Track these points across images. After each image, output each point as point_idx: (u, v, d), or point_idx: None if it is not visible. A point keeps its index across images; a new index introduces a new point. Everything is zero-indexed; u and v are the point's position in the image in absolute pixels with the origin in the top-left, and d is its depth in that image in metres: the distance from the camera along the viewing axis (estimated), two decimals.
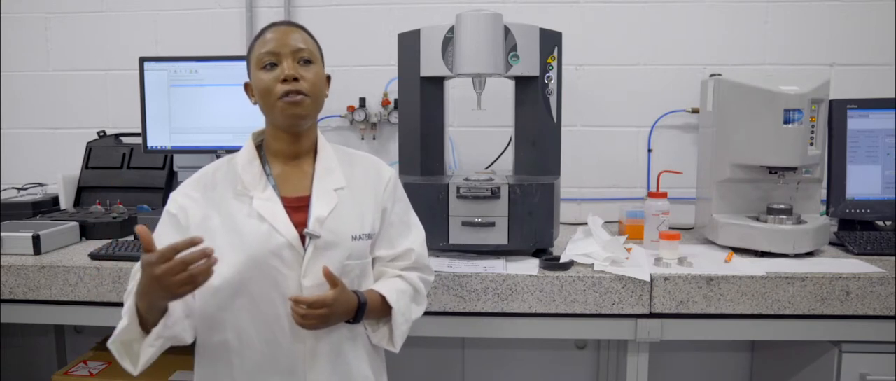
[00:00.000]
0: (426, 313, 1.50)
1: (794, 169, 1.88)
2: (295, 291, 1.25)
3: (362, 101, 2.41)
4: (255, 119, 1.34)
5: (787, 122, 1.81)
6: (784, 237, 1.82)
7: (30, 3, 2.52)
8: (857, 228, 2.06)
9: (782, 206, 1.90)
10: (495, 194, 1.77)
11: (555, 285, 1.67)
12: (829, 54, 2.36)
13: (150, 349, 1.19)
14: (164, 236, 1.29)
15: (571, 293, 1.67)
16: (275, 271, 1.25)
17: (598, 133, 2.44)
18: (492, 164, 2.32)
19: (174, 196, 1.33)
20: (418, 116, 1.89)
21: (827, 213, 2.06)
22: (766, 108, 1.83)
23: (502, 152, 2.30)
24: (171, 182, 2.38)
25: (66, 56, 2.54)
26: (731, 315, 1.69)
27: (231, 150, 1.38)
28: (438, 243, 1.79)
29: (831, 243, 1.98)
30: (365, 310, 1.27)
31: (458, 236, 1.79)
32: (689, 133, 2.41)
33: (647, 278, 1.66)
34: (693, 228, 2.21)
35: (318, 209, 1.28)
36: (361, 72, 2.44)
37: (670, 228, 1.94)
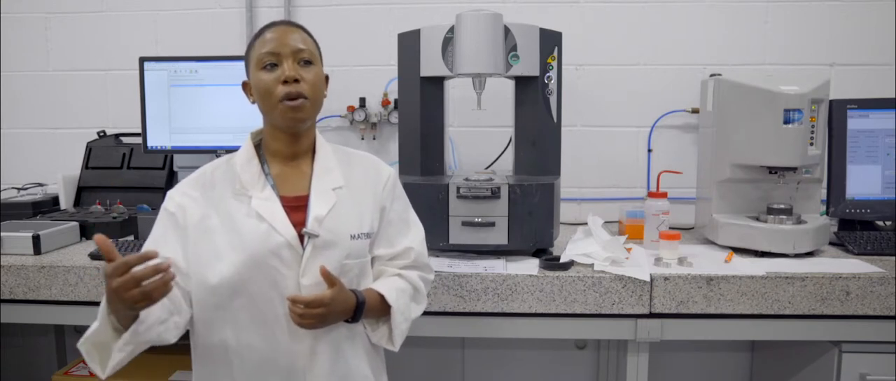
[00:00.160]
0: (426, 313, 1.50)
1: (794, 169, 1.88)
2: (294, 290, 1.25)
3: (362, 101, 2.41)
4: (255, 119, 1.34)
5: (787, 122, 1.81)
6: (784, 237, 1.82)
7: (30, 3, 2.52)
8: (857, 228, 2.06)
9: (782, 206, 1.90)
10: (495, 194, 1.77)
11: (555, 285, 1.67)
12: (829, 54, 2.36)
13: (119, 353, 1.15)
14: (161, 235, 1.30)
15: (571, 293, 1.67)
16: (274, 270, 1.25)
17: (598, 133, 2.44)
18: (492, 164, 2.32)
19: (172, 195, 1.33)
20: (418, 116, 1.89)
21: (827, 213, 2.06)
22: (766, 108, 1.83)
23: (502, 152, 2.30)
24: (171, 182, 2.38)
25: (66, 56, 2.54)
26: (731, 315, 1.69)
27: (231, 150, 1.38)
28: (438, 243, 1.79)
29: (831, 243, 1.98)
30: (363, 309, 1.27)
31: (458, 236, 1.79)
32: (689, 133, 2.41)
33: (647, 278, 1.66)
34: (693, 228, 2.21)
35: (316, 209, 1.28)
36: (361, 72, 2.44)
37: (670, 228, 1.94)
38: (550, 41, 1.86)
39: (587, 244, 1.82)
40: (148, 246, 1.30)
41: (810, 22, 2.35)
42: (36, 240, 1.84)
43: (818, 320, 1.69)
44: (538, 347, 2.49)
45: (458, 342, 2.50)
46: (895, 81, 2.32)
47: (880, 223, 2.11)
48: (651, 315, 1.69)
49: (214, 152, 2.13)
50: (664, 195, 1.99)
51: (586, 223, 1.98)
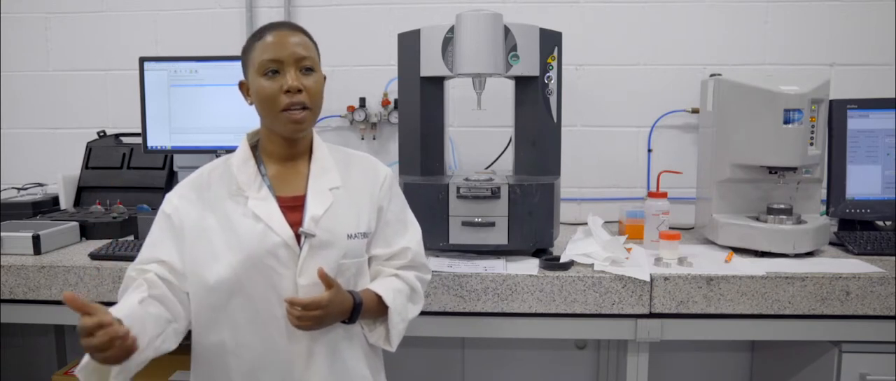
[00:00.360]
0: (426, 313, 1.50)
1: (794, 169, 1.88)
2: (291, 290, 1.25)
3: (362, 101, 2.41)
4: (255, 119, 1.34)
5: (787, 122, 1.81)
6: (784, 237, 1.82)
7: (30, 3, 2.52)
8: (857, 228, 2.06)
9: (782, 206, 1.90)
10: (495, 194, 1.77)
11: (555, 285, 1.67)
12: (829, 54, 2.36)
13: (116, 379, 1.15)
14: (158, 238, 1.30)
15: (571, 293, 1.67)
16: (271, 270, 1.25)
17: (598, 133, 2.44)
18: (492, 164, 2.32)
19: (169, 197, 1.33)
20: (418, 116, 1.89)
21: (827, 213, 2.06)
22: (766, 108, 1.83)
23: (502, 152, 2.30)
24: (171, 182, 2.38)
25: (66, 56, 2.54)
26: (731, 315, 1.69)
27: (231, 150, 1.38)
28: (438, 243, 1.79)
29: (831, 243, 1.98)
30: (360, 310, 1.27)
31: (458, 236, 1.79)
32: (689, 133, 2.41)
33: (647, 278, 1.66)
34: (693, 228, 2.21)
35: (313, 209, 1.28)
36: (361, 72, 2.44)
37: (670, 228, 1.94)
38: (550, 41, 1.86)
39: (587, 244, 1.82)
40: (144, 249, 1.31)
41: (810, 22, 2.35)
42: (36, 240, 1.84)
43: (818, 320, 1.69)
44: (538, 347, 2.49)
45: (458, 342, 2.50)
46: (895, 81, 2.32)
47: (880, 223, 2.11)
48: (651, 315, 1.69)
49: (214, 152, 2.13)
50: (664, 195, 1.99)
51: (586, 223, 1.98)
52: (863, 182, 2.05)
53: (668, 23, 2.38)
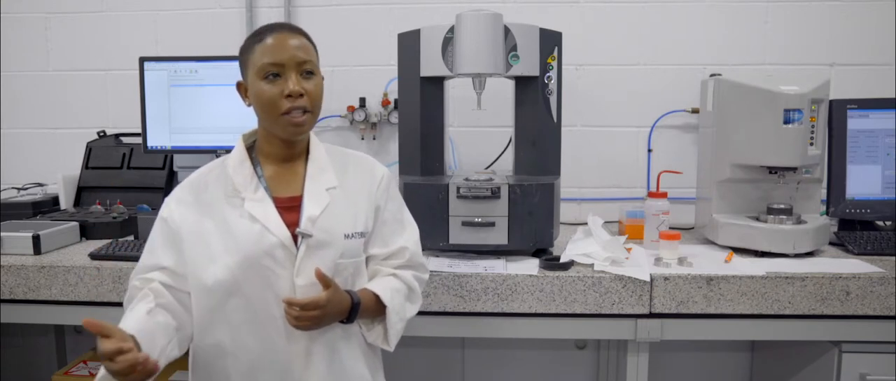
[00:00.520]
0: (426, 313, 1.50)
1: (794, 169, 1.88)
2: (288, 290, 1.25)
3: (362, 101, 2.41)
4: (256, 119, 1.34)
5: (787, 122, 1.81)
6: (784, 237, 1.82)
7: (30, 3, 2.52)
8: (857, 228, 2.06)
9: (782, 206, 1.90)
10: (495, 194, 1.77)
11: (555, 285, 1.67)
12: (829, 54, 2.36)
13: None
14: (158, 243, 1.31)
15: (571, 293, 1.67)
16: (268, 271, 1.25)
17: (598, 133, 2.44)
18: (492, 164, 2.32)
19: (167, 201, 1.34)
20: (418, 116, 1.89)
21: (827, 213, 2.06)
22: (766, 108, 1.83)
23: (502, 152, 2.30)
24: (171, 182, 2.38)
25: (66, 56, 2.54)
26: (731, 315, 1.69)
27: (231, 150, 1.38)
28: (438, 243, 1.79)
29: (831, 243, 1.98)
30: (358, 310, 1.27)
31: (458, 236, 1.79)
32: (689, 133, 2.41)
33: (647, 278, 1.66)
34: (693, 228, 2.21)
35: (309, 209, 1.28)
36: (361, 72, 2.44)
37: (670, 228, 1.94)
38: (550, 41, 1.86)
39: (587, 244, 1.82)
40: (145, 256, 1.32)
41: (810, 22, 2.35)
42: (36, 240, 1.84)
43: (818, 320, 1.69)
44: (538, 347, 2.49)
45: (458, 342, 2.50)
46: (895, 81, 2.32)
47: (880, 223, 2.11)
48: (651, 315, 1.69)
49: (214, 152, 2.13)
50: (664, 195, 1.99)
51: (586, 223, 1.98)
52: (863, 182, 2.05)
53: (668, 23, 2.38)
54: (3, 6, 2.53)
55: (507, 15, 1.82)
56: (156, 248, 1.31)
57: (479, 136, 2.43)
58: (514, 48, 1.82)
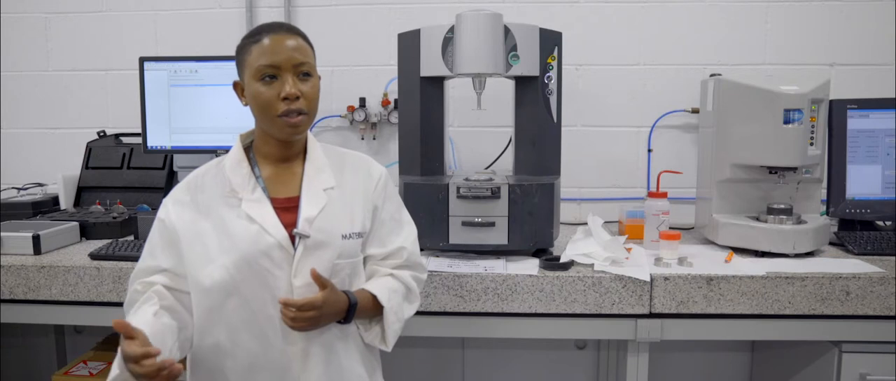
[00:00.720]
0: (426, 313, 1.50)
1: (794, 169, 1.88)
2: (286, 291, 1.25)
3: (362, 101, 2.41)
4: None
5: (787, 122, 1.81)
6: (784, 237, 1.82)
7: (30, 3, 2.53)
8: (857, 228, 2.06)
9: (782, 206, 1.90)
10: (495, 194, 1.77)
11: (555, 285, 1.67)
12: (829, 54, 2.36)
13: None
14: (156, 245, 1.31)
15: (571, 293, 1.67)
16: (265, 271, 1.25)
17: (598, 133, 2.44)
18: (492, 164, 2.32)
19: (165, 201, 1.34)
20: (418, 116, 1.89)
21: (827, 213, 2.06)
22: (766, 108, 1.83)
23: (502, 152, 2.30)
24: (171, 182, 2.38)
25: (66, 56, 2.54)
26: (731, 315, 1.69)
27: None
28: (438, 243, 1.79)
29: (831, 243, 1.98)
30: (355, 311, 1.27)
31: (458, 236, 1.79)
32: (689, 133, 2.41)
33: (647, 278, 1.66)
34: (693, 228, 2.21)
35: (307, 209, 1.28)
36: (361, 72, 2.44)
37: (670, 228, 1.94)
38: (550, 41, 1.86)
39: (587, 244, 1.82)
40: (144, 258, 1.32)
41: (810, 22, 2.35)
42: (36, 240, 1.84)
43: (818, 320, 1.69)
44: (538, 347, 2.49)
45: (458, 342, 2.50)
46: (895, 81, 2.32)
47: (880, 223, 2.11)
48: (651, 315, 1.69)
49: (214, 152, 2.13)
50: (664, 195, 1.99)
51: (586, 223, 1.98)
52: (863, 182, 2.05)
53: (668, 23, 2.38)
54: (3, 6, 2.53)
55: (507, 15, 1.82)
56: (155, 250, 1.31)
57: (479, 136, 2.43)
58: (514, 48, 1.82)
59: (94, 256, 1.79)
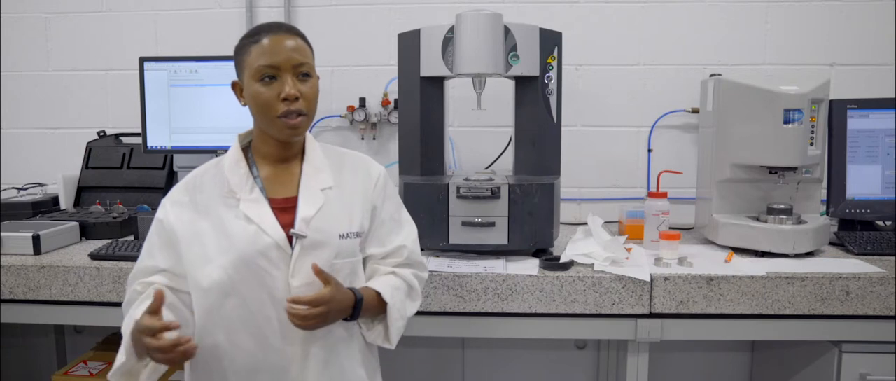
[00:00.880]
0: (426, 313, 1.50)
1: (794, 169, 1.88)
2: (283, 291, 1.25)
3: (362, 101, 2.41)
4: None
5: (787, 122, 1.81)
6: (784, 237, 1.82)
7: (30, 3, 2.53)
8: (857, 228, 2.06)
9: (782, 206, 1.90)
10: (495, 194, 1.77)
11: (555, 285, 1.67)
12: (829, 54, 2.36)
13: (149, 376, 1.24)
14: (155, 245, 1.32)
15: (571, 293, 1.67)
16: (263, 271, 1.25)
17: (598, 133, 2.44)
18: (492, 164, 2.32)
19: (163, 202, 1.34)
20: (418, 116, 1.89)
21: (827, 213, 2.06)
22: (766, 108, 1.83)
23: (502, 152, 2.30)
24: (171, 182, 2.38)
25: (66, 56, 2.55)
26: (731, 315, 1.69)
27: None
28: (438, 243, 1.79)
29: (831, 243, 1.98)
30: (361, 306, 1.27)
31: (458, 236, 1.79)
32: (689, 133, 2.41)
33: (647, 278, 1.66)
34: (693, 228, 2.21)
35: (304, 209, 1.28)
36: (361, 72, 2.44)
37: (670, 228, 1.94)
38: (550, 41, 1.86)
39: (587, 244, 1.82)
40: (141, 256, 1.33)
41: (810, 22, 2.35)
42: (36, 240, 1.84)
43: (818, 320, 1.69)
44: (538, 347, 2.49)
45: (458, 342, 2.50)
46: (895, 81, 2.32)
47: (880, 223, 2.11)
48: (651, 315, 1.69)
49: (214, 152, 2.13)
50: (664, 195, 1.99)
51: (586, 223, 1.98)
52: (863, 182, 2.05)
53: (668, 23, 2.38)
54: (3, 6, 2.53)
55: (507, 15, 1.82)
56: (153, 250, 1.31)
57: (479, 136, 2.43)
58: (514, 48, 1.82)
59: (94, 256, 1.79)
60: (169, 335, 1.12)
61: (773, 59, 2.37)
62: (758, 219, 1.92)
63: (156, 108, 2.20)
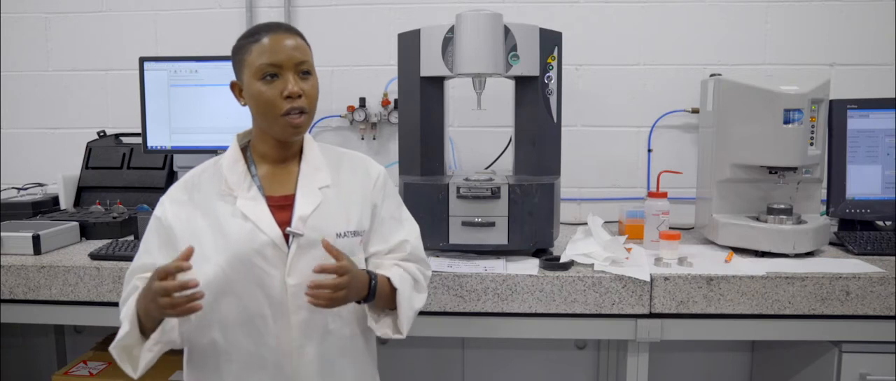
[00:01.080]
0: (426, 313, 1.49)
1: (794, 169, 1.88)
2: (280, 290, 1.25)
3: (362, 101, 2.41)
4: None
5: (787, 122, 1.81)
6: (784, 237, 1.82)
7: (30, 3, 2.53)
8: (857, 228, 2.06)
9: (782, 206, 1.90)
10: (495, 194, 1.77)
11: (555, 285, 1.67)
12: (829, 54, 2.36)
13: (148, 353, 1.23)
14: (152, 242, 1.32)
15: (571, 293, 1.67)
16: (259, 270, 1.26)
17: (598, 133, 2.44)
18: (492, 164, 2.32)
19: (162, 200, 1.34)
20: (418, 116, 1.89)
21: (827, 213, 2.06)
22: (766, 108, 1.83)
23: (502, 152, 2.30)
24: (171, 182, 2.36)
25: (66, 56, 2.55)
26: (731, 315, 1.69)
27: None
28: (438, 243, 1.79)
29: (831, 243, 1.98)
30: (376, 287, 1.27)
31: (458, 236, 1.79)
32: (689, 133, 2.41)
33: (647, 278, 1.66)
34: (693, 228, 2.21)
35: (301, 208, 1.29)
36: (361, 72, 2.44)
37: (670, 228, 1.94)
38: (550, 41, 1.86)
39: (587, 244, 1.82)
40: (139, 254, 1.33)
41: (810, 22, 2.35)
42: (36, 240, 1.84)
43: (818, 320, 1.69)
44: (538, 347, 2.49)
45: (458, 342, 2.50)
46: (895, 81, 2.32)
47: (880, 223, 2.11)
48: (651, 315, 1.69)
49: (214, 152, 2.12)
50: (664, 195, 1.99)
51: (586, 223, 1.98)
52: (863, 182, 2.05)
53: (668, 23, 2.38)
54: (3, 6, 2.53)
55: (507, 15, 1.82)
56: (151, 247, 1.31)
57: (479, 136, 2.43)
58: (514, 48, 1.82)
59: (94, 256, 1.79)
60: (181, 277, 1.12)
61: (773, 59, 2.37)
62: (758, 219, 1.92)
63: (156, 108, 2.20)
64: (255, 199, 1.28)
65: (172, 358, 1.41)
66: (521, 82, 1.90)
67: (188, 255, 1.14)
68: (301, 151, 1.36)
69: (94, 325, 1.85)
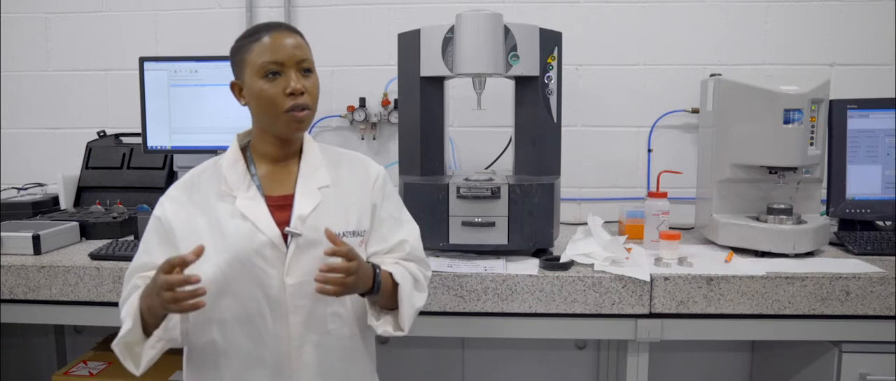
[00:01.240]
0: (426, 313, 1.49)
1: (794, 169, 1.88)
2: (278, 289, 1.26)
3: (362, 101, 2.41)
4: None
5: (787, 122, 1.81)
6: (784, 237, 1.82)
7: (30, 3, 2.52)
8: (857, 228, 2.06)
9: (782, 206, 1.90)
10: (495, 194, 1.77)
11: (555, 285, 1.67)
12: (829, 54, 2.36)
13: (150, 351, 1.23)
14: (152, 242, 1.32)
15: (571, 293, 1.67)
16: (258, 269, 1.26)
17: (598, 133, 2.44)
18: (492, 164, 2.32)
19: (161, 200, 1.34)
20: (418, 116, 1.89)
21: (827, 213, 2.06)
22: (766, 108, 1.83)
23: (502, 152, 2.30)
24: (171, 182, 2.35)
25: (66, 56, 2.55)
26: (731, 315, 1.69)
27: None
28: (438, 243, 1.79)
29: (831, 243, 1.98)
30: (380, 279, 1.26)
31: (458, 236, 1.79)
32: (689, 133, 2.41)
33: (647, 278, 1.66)
34: (693, 228, 2.21)
35: (300, 208, 1.29)
36: (361, 72, 2.44)
37: (670, 228, 1.94)
38: (550, 41, 1.86)
39: (587, 244, 1.82)
40: (138, 253, 1.33)
41: (810, 22, 2.35)
42: (36, 240, 1.84)
43: (818, 320, 1.69)
44: (538, 347, 2.49)
45: (458, 342, 2.50)
46: (895, 81, 2.32)
47: (880, 223, 2.11)
48: (651, 315, 1.69)
49: (214, 152, 2.12)
50: (664, 195, 1.99)
51: (586, 223, 1.98)
52: (863, 182, 2.05)
53: (668, 23, 2.38)
54: (3, 6, 2.53)
55: (507, 15, 1.82)
56: (151, 247, 1.32)
57: (479, 136, 2.43)
58: (514, 48, 1.82)
59: (94, 256, 1.79)
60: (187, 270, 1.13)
61: (773, 59, 2.37)
62: (758, 219, 1.92)
63: (156, 108, 2.20)
64: (255, 199, 1.29)
65: (172, 358, 1.41)
66: (521, 82, 1.90)
67: (199, 252, 1.14)
68: (301, 151, 1.36)
69: (94, 325, 1.85)
